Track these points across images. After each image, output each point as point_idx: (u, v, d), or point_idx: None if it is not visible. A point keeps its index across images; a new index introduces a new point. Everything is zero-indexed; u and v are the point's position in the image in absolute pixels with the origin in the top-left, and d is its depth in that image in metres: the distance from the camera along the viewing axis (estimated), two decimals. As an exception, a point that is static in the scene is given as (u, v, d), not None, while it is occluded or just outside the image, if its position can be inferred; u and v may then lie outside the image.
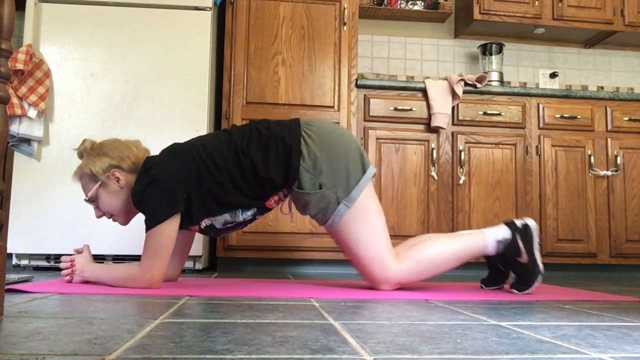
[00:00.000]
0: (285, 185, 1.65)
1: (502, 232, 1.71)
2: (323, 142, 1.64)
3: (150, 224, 1.57)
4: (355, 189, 1.62)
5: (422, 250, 1.70)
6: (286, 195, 1.71)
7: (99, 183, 1.65)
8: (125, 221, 1.73)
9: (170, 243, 1.58)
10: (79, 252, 1.71)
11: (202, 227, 1.70)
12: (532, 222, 1.71)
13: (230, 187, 1.62)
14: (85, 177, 1.68)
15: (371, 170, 1.68)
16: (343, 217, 1.63)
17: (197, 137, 1.74)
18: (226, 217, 1.68)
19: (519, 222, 1.72)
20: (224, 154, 1.63)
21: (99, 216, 1.72)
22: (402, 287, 1.72)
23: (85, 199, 1.70)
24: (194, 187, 1.61)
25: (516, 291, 1.69)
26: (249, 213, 1.69)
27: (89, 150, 1.69)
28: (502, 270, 1.78)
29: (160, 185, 1.57)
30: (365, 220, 1.65)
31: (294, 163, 1.61)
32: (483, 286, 1.85)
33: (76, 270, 1.66)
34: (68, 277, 1.66)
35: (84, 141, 1.72)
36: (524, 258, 1.68)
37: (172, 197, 1.57)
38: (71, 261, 1.68)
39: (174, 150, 1.66)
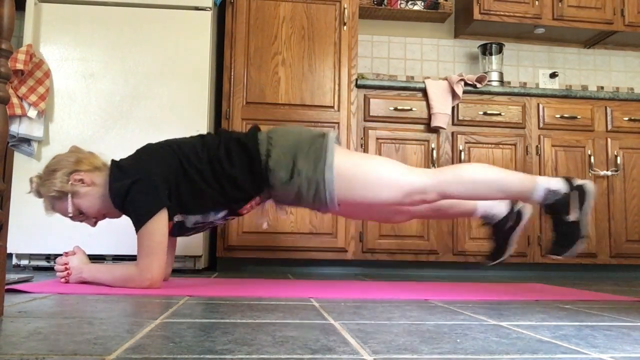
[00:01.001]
0: (260, 189, 1.66)
1: (556, 183, 1.61)
2: (284, 139, 1.66)
3: (139, 224, 1.56)
4: (328, 154, 1.61)
5: (463, 166, 1.71)
6: (259, 202, 1.72)
7: (69, 196, 1.64)
8: (118, 214, 1.71)
9: (163, 239, 1.58)
10: (70, 254, 1.69)
11: (175, 221, 1.68)
12: (590, 185, 1.61)
13: (205, 187, 1.63)
14: (55, 201, 1.65)
15: (331, 135, 1.67)
16: (336, 183, 1.61)
17: (170, 139, 1.74)
18: (198, 218, 1.69)
19: (578, 180, 1.62)
20: (198, 155, 1.65)
21: (94, 224, 1.72)
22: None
23: (70, 218, 1.68)
24: (172, 184, 1.61)
25: (557, 255, 1.62)
26: (220, 215, 1.70)
27: (40, 182, 1.66)
28: (502, 244, 1.78)
29: (143, 184, 1.57)
30: (359, 167, 1.63)
31: (256, 166, 1.63)
32: (489, 262, 1.85)
33: (72, 271, 1.65)
34: (63, 280, 1.65)
35: (30, 181, 1.68)
36: (573, 216, 1.58)
37: (156, 193, 1.57)
38: (65, 264, 1.66)
39: (150, 149, 1.68)
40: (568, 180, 1.61)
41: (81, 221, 1.72)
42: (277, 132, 1.71)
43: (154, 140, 1.73)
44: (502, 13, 3.19)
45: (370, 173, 1.63)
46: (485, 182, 1.62)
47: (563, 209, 1.59)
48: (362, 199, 1.64)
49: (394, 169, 1.66)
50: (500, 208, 1.86)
